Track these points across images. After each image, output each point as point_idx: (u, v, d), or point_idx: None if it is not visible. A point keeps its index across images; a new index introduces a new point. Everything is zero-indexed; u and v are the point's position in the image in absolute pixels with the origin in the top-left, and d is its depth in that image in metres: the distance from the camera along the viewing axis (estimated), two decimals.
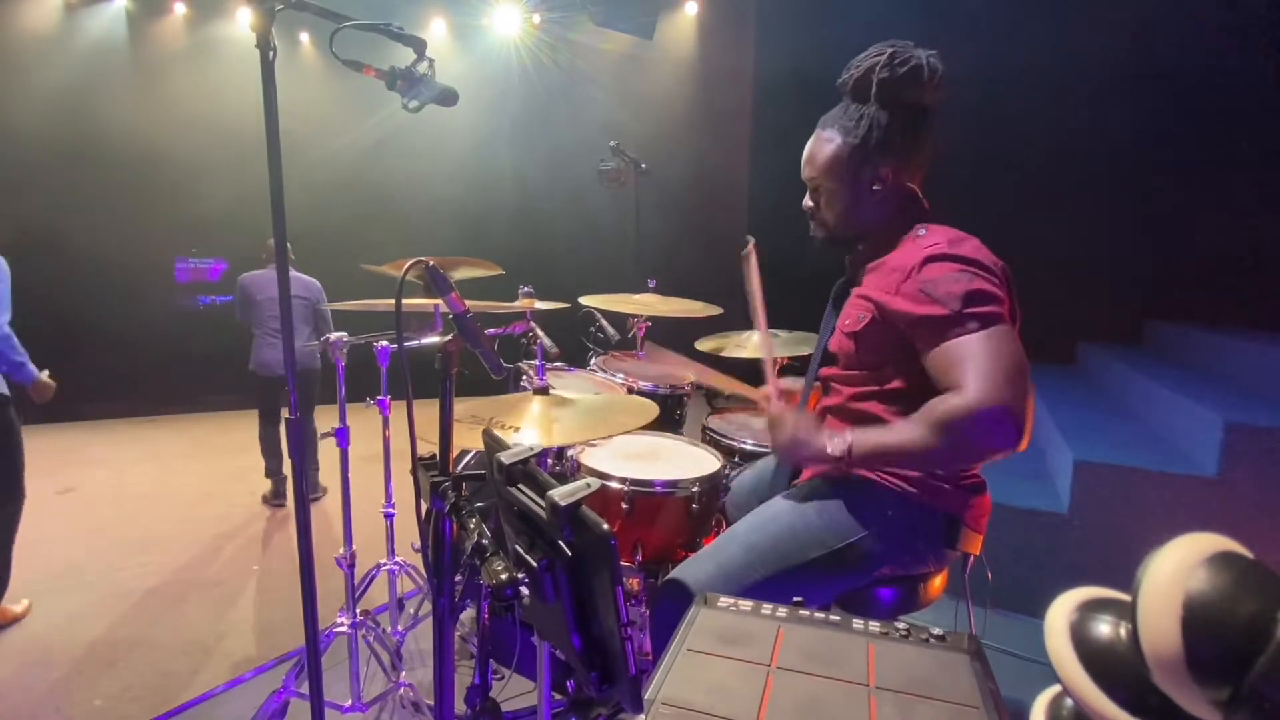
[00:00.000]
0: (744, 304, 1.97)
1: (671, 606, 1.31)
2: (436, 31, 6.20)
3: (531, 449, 0.97)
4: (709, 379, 1.72)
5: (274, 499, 3.84)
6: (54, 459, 4.42)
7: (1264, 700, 0.40)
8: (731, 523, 1.72)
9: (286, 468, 3.84)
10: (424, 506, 1.08)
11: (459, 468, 1.93)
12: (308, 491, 1.34)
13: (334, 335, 1.88)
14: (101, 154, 5.38)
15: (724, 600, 0.99)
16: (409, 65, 1.28)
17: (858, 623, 0.93)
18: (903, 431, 1.20)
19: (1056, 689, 0.56)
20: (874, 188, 1.39)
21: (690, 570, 1.36)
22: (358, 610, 1.94)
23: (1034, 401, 1.15)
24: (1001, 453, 1.14)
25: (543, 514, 0.84)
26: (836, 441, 1.22)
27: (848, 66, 1.40)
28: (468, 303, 1.14)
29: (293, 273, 3.84)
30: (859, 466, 1.26)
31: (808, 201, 1.49)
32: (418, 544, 1.16)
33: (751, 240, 1.66)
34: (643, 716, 0.75)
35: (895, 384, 1.35)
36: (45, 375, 2.69)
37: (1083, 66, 4.56)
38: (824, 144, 1.41)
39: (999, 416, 1.10)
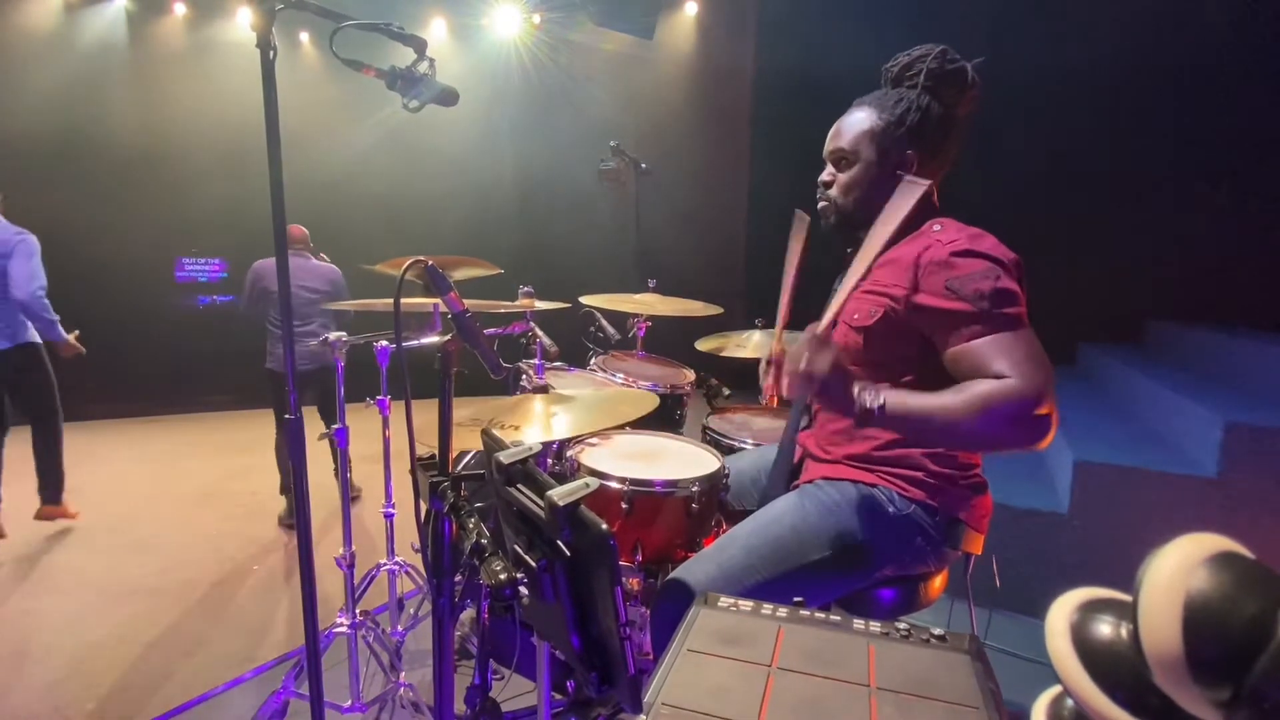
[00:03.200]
0: (743, 304, 1.95)
1: (672, 607, 1.31)
2: (436, 31, 6.20)
3: (531, 449, 0.97)
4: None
5: (289, 518, 3.53)
6: None
7: (1265, 700, 0.40)
8: (730, 511, 1.72)
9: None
10: (423, 506, 1.08)
11: (458, 468, 1.93)
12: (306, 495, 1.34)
13: (333, 335, 1.88)
14: (101, 154, 5.39)
15: (724, 600, 0.99)
16: (409, 65, 1.28)
17: (858, 623, 0.93)
18: (941, 399, 1.14)
19: (1057, 689, 0.56)
20: (897, 171, 1.37)
21: (691, 571, 1.36)
22: (357, 610, 1.94)
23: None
24: (1030, 445, 1.12)
25: (542, 514, 0.84)
26: (869, 395, 1.14)
27: (895, 57, 1.42)
28: (467, 302, 1.14)
29: (311, 261, 3.73)
30: (885, 425, 1.16)
31: (826, 175, 1.47)
32: (418, 544, 1.16)
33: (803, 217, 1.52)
34: (642, 716, 0.75)
35: (905, 380, 1.33)
36: (74, 337, 3.36)
37: (1083, 66, 4.56)
38: (858, 120, 1.41)
39: (1037, 407, 1.10)
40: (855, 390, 1.15)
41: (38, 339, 3.28)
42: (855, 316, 1.38)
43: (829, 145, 1.46)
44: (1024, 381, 1.11)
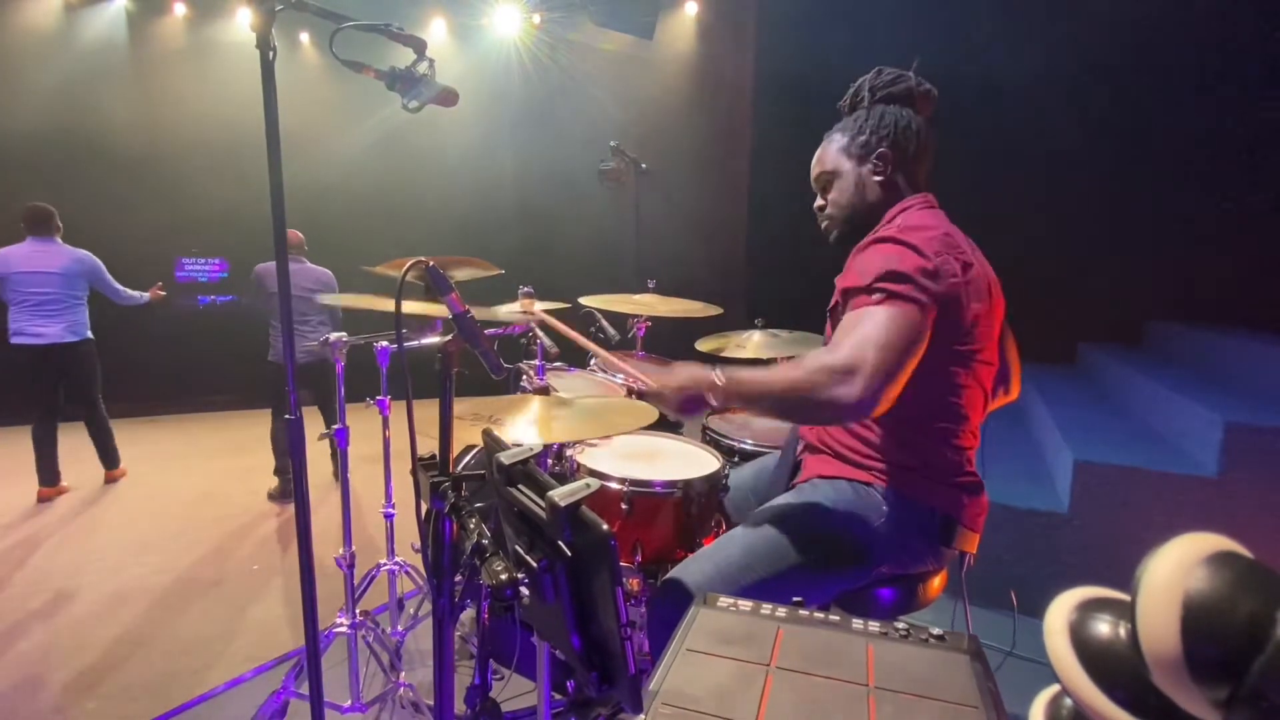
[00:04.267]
0: (743, 304, 1.97)
1: (671, 607, 1.31)
2: (436, 31, 6.20)
3: (531, 449, 0.97)
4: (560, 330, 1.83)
5: (281, 497, 3.85)
6: None
7: (1263, 700, 0.40)
8: (731, 520, 1.72)
9: (321, 466, 4.13)
10: (424, 506, 1.08)
11: (459, 468, 1.93)
12: (306, 488, 1.34)
13: (334, 335, 1.88)
14: (101, 154, 5.39)
15: (723, 600, 0.99)
16: (409, 65, 1.28)
17: (857, 623, 0.93)
18: (768, 371, 1.22)
19: (1056, 689, 0.56)
20: (877, 172, 1.43)
21: (689, 570, 1.36)
22: (358, 610, 1.94)
23: (888, 387, 1.15)
24: (838, 416, 1.19)
25: (542, 514, 0.84)
26: (719, 378, 1.25)
27: (846, 92, 1.52)
28: (466, 304, 1.14)
29: (306, 265, 3.94)
30: (731, 396, 1.26)
31: (819, 202, 1.54)
32: (418, 544, 1.16)
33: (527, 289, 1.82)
34: (642, 716, 0.75)
35: None
36: (154, 290, 4.20)
37: (1083, 67, 4.56)
38: (829, 144, 1.50)
39: (847, 376, 1.11)
40: (703, 388, 1.26)
41: (91, 335, 3.94)
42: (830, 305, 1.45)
43: (813, 174, 1.54)
44: (847, 351, 1.14)
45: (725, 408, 1.28)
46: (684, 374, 1.30)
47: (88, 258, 3.91)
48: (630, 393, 1.29)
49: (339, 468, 4.00)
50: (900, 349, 1.14)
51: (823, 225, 1.55)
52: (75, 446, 3.97)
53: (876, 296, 1.19)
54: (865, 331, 1.15)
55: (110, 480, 4.11)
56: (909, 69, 1.46)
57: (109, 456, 4.13)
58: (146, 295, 4.13)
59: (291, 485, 4.07)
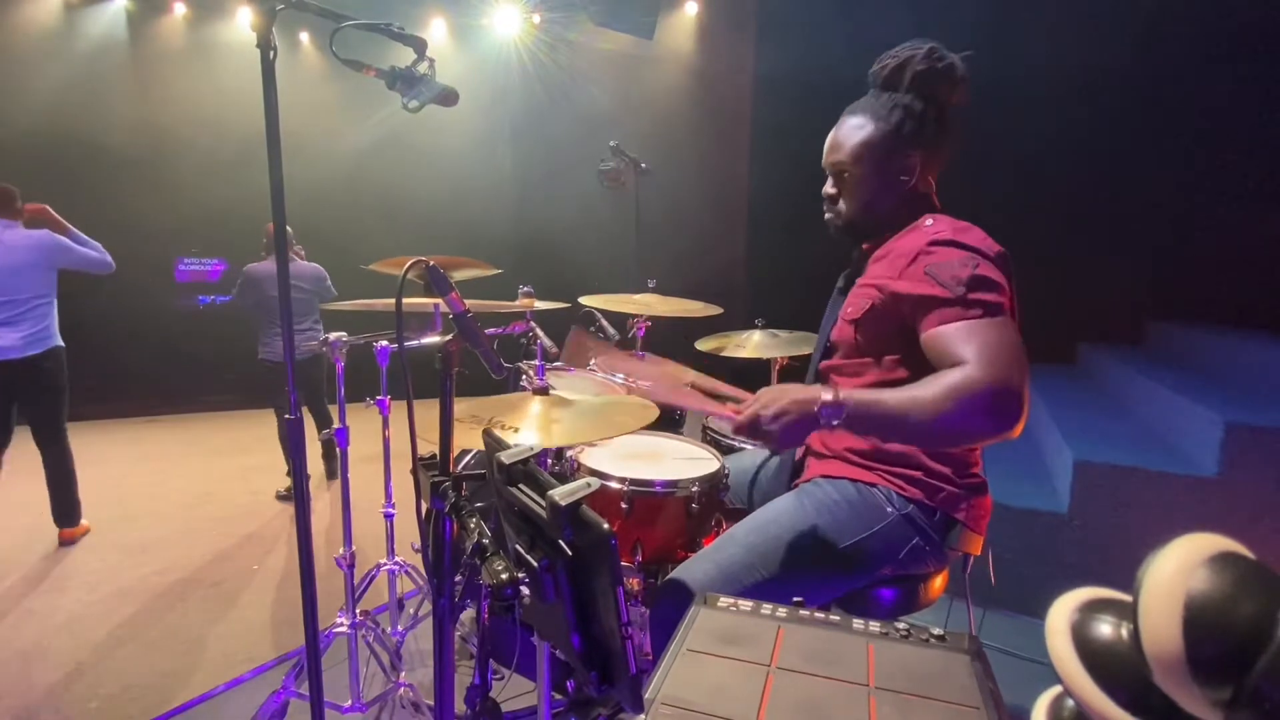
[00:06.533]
0: (743, 304, 1.96)
1: (671, 606, 1.31)
2: (436, 31, 6.20)
3: (531, 449, 0.97)
4: (704, 384, 1.61)
5: (287, 494, 3.85)
6: None
7: (1265, 700, 0.40)
8: (729, 510, 1.72)
9: (311, 466, 4.03)
10: (424, 506, 1.08)
11: (459, 468, 1.93)
12: (306, 488, 1.34)
13: (334, 335, 1.88)
14: (101, 154, 5.39)
15: (724, 600, 0.99)
16: (409, 65, 1.28)
17: (858, 623, 0.93)
18: (903, 394, 1.13)
19: (1057, 689, 0.56)
20: (901, 177, 1.38)
21: (690, 570, 1.36)
22: (358, 610, 1.94)
23: (1030, 397, 1.14)
24: (997, 434, 1.11)
25: (543, 514, 0.84)
26: (828, 410, 1.12)
27: (880, 58, 1.39)
28: (467, 302, 1.14)
29: (300, 262, 3.94)
30: (854, 426, 1.15)
31: (829, 188, 1.46)
32: (418, 544, 1.16)
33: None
34: (643, 716, 0.75)
35: (899, 373, 1.34)
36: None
37: (1083, 64, 4.56)
38: (854, 130, 1.39)
39: (1003, 395, 1.09)
40: (814, 410, 1.13)
41: (62, 343, 3.25)
42: (849, 310, 1.40)
43: (828, 158, 1.44)
44: (987, 368, 1.10)
45: (840, 428, 1.13)
46: (783, 399, 1.15)
47: (49, 237, 3.23)
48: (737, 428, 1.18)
49: (333, 468, 4.04)
50: (1024, 361, 1.13)
51: (827, 215, 1.47)
52: (76, 446, 3.95)
53: (976, 310, 1.18)
54: (991, 348, 1.13)
55: (67, 541, 3.23)
56: (960, 54, 1.36)
57: (68, 509, 3.25)
58: (109, 258, 3.40)
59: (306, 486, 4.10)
